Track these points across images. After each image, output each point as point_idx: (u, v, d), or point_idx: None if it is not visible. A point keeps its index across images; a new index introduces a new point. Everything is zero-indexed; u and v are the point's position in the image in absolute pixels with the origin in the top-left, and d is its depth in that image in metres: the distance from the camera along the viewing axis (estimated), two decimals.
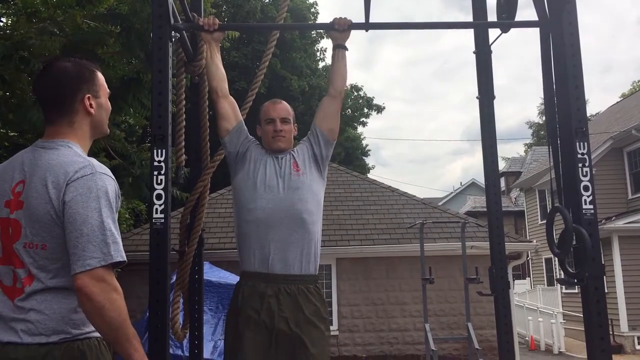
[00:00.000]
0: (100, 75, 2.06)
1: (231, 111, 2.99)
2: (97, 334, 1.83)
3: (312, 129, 3.06)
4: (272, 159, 2.93)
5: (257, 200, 2.80)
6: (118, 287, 1.76)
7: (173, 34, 2.89)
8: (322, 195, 2.96)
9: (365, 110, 26.36)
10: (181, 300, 3.42)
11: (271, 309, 2.69)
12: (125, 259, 1.80)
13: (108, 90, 2.10)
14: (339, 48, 3.01)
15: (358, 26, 2.98)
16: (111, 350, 1.89)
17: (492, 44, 3.55)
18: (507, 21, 3.18)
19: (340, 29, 2.95)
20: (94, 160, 1.88)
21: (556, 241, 2.73)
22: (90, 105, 1.98)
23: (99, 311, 1.71)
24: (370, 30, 3.05)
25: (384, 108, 26.49)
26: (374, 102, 26.46)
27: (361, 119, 26.88)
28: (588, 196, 2.66)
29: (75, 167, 1.82)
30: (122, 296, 1.77)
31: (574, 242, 2.60)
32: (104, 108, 2.07)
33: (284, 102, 3.08)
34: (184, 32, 3.16)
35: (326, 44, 25.09)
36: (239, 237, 2.88)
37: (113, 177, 1.88)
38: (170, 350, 4.91)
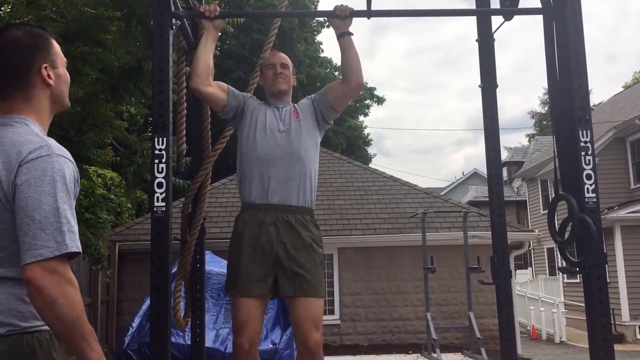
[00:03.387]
0: (56, 44, 1.85)
1: (218, 89, 3.04)
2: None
3: (322, 92, 3.13)
4: (272, 108, 3.07)
5: (258, 140, 2.97)
6: (73, 279, 1.60)
7: (174, 22, 2.87)
8: (319, 140, 3.14)
9: (367, 101, 26.27)
10: (183, 289, 3.43)
11: (270, 235, 2.87)
12: (81, 250, 1.63)
13: (65, 59, 1.90)
14: (344, 36, 2.97)
15: (360, 13, 2.96)
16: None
17: (495, 32, 3.52)
18: (510, 8, 3.16)
19: (341, 16, 2.92)
20: (51, 141, 1.69)
21: (557, 230, 2.72)
22: (49, 75, 1.78)
23: (50, 306, 1.53)
24: (373, 20, 3.03)
25: (384, 100, 26.40)
26: (375, 92, 26.36)
27: (362, 110, 26.79)
28: (591, 184, 2.65)
29: (30, 147, 1.63)
30: (78, 290, 1.61)
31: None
32: (63, 79, 1.86)
33: (283, 54, 3.20)
34: (184, 19, 3.14)
35: (326, 35, 24.96)
36: (239, 173, 3.05)
37: (72, 160, 1.71)
38: (172, 339, 4.93)
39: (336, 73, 22.78)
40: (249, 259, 2.86)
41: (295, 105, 3.13)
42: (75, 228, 1.64)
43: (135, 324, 6.41)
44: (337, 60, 24.38)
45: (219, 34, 3.33)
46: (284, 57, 3.14)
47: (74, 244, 1.61)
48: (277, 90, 3.08)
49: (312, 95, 3.19)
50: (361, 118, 27.61)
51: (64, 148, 1.71)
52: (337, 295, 11.14)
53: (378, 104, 26.37)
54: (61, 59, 1.87)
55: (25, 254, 1.55)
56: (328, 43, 25.23)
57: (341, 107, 3.17)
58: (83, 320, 1.59)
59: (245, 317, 2.83)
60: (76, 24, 5.42)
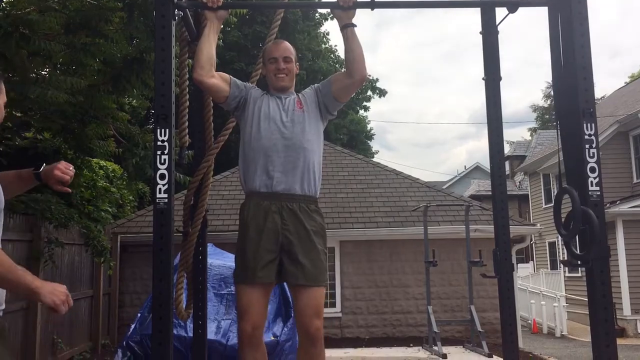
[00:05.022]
0: (3, 86, 2.11)
1: (221, 81, 3.04)
2: None
3: (326, 83, 3.13)
4: (275, 98, 3.08)
5: (261, 131, 2.99)
6: None
7: (176, 13, 2.85)
8: (322, 130, 3.15)
9: (369, 93, 26.16)
10: (185, 281, 3.43)
11: (275, 223, 2.92)
12: None
13: (6, 99, 2.14)
14: (347, 27, 2.96)
15: (363, 5, 2.94)
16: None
17: (499, 24, 3.50)
18: (514, 0, 3.13)
19: (345, 6, 2.90)
20: None
21: (562, 223, 2.72)
22: None
23: None
24: (377, 13, 3.00)
25: (386, 92, 26.31)
26: (377, 84, 26.23)
27: (364, 103, 26.69)
28: (594, 178, 2.64)
29: None
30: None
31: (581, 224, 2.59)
32: (1, 112, 2.09)
33: (286, 42, 3.19)
34: (187, 10, 3.12)
35: (329, 27, 24.83)
36: (243, 162, 3.06)
37: None
38: (174, 331, 4.93)
39: (337, 66, 22.67)
40: (255, 248, 2.91)
41: (299, 94, 3.14)
42: None
43: (138, 316, 6.43)
44: (340, 50, 24.26)
45: (222, 25, 3.31)
46: (287, 49, 3.13)
47: None
48: (279, 87, 3.10)
49: (316, 85, 3.19)
50: (363, 113, 27.52)
51: None
52: (339, 288, 11.15)
53: (380, 96, 26.25)
54: (4, 97, 2.10)
55: None
56: (332, 34, 25.08)
57: (344, 99, 3.17)
58: (13, 269, 1.85)
59: (249, 303, 2.90)
60: (78, 14, 5.40)
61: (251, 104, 3.06)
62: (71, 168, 2.27)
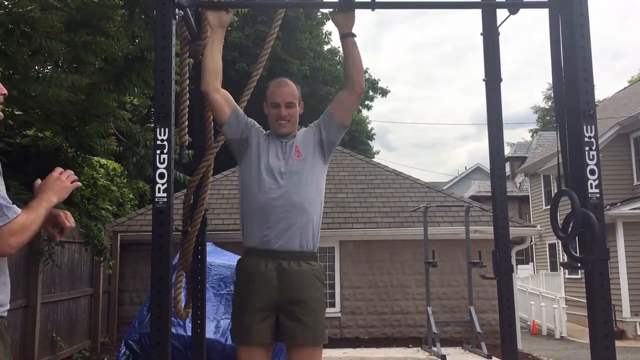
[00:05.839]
0: None
1: (224, 102, 2.95)
2: None
3: (326, 114, 3.03)
4: (275, 143, 2.97)
5: (260, 185, 2.88)
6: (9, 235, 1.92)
7: (177, 12, 2.85)
8: (323, 180, 3.03)
9: (370, 93, 26.18)
10: (184, 280, 3.43)
11: (271, 282, 2.83)
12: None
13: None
14: (347, 37, 2.92)
15: (364, 5, 2.94)
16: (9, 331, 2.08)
17: (500, 25, 3.50)
18: (515, 1, 3.13)
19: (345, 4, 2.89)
20: None
21: (559, 225, 2.71)
22: None
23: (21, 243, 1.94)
24: (378, 14, 3.00)
25: (388, 91, 26.34)
26: (379, 85, 26.25)
27: (366, 102, 26.72)
28: (594, 180, 2.64)
29: None
30: (16, 231, 1.93)
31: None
32: None
33: (290, 84, 3.02)
34: (187, 9, 3.12)
35: (331, 26, 24.81)
36: (242, 215, 2.99)
37: None
38: (173, 330, 4.93)
39: (339, 67, 22.66)
40: (251, 309, 2.82)
41: (299, 136, 3.02)
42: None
43: (137, 315, 6.42)
44: (341, 51, 24.22)
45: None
46: (290, 94, 2.98)
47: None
48: (281, 134, 2.99)
49: (316, 122, 3.07)
50: (365, 113, 27.55)
51: None
52: (338, 288, 11.15)
53: (382, 95, 26.28)
54: None
55: None
56: (334, 34, 25.12)
57: (348, 120, 3.05)
58: (40, 217, 2.00)
59: None
60: (79, 12, 5.40)
61: (254, 147, 2.96)
62: (72, 221, 2.26)
